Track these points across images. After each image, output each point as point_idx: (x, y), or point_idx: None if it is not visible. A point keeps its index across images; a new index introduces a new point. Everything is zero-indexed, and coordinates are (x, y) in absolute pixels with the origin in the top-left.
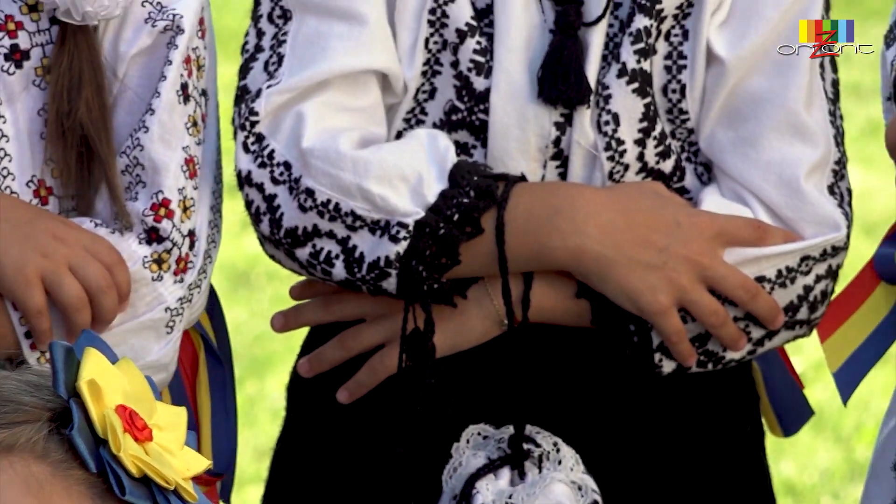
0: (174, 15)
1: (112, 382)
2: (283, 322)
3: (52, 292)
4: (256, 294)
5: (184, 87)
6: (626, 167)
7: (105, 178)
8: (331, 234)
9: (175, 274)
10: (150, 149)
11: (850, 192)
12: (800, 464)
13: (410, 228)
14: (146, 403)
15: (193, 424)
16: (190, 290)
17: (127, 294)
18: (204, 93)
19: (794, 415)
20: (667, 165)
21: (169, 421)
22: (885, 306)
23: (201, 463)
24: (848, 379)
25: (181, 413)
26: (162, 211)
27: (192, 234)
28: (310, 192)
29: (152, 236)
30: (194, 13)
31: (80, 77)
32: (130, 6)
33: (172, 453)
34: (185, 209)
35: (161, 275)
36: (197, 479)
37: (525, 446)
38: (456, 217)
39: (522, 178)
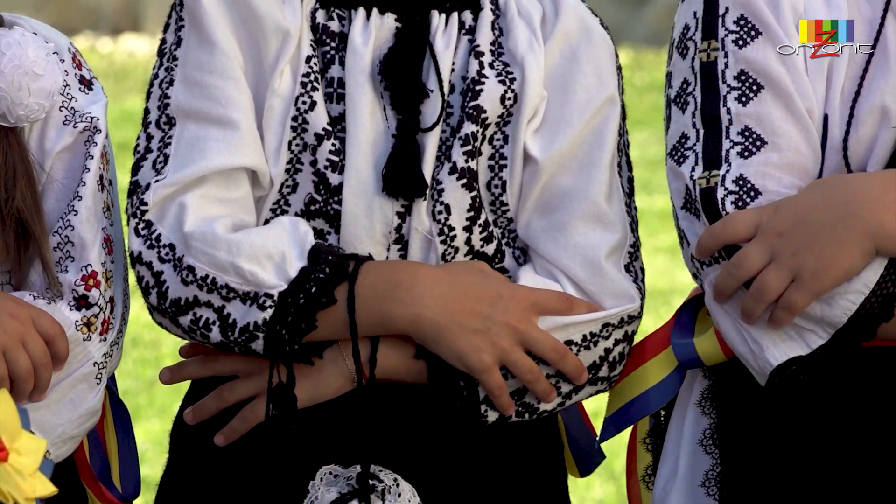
0: (91, 117)
1: None
2: (168, 376)
3: (9, 364)
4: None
5: (101, 178)
6: (457, 250)
7: (39, 255)
8: (208, 304)
9: (100, 334)
10: (79, 229)
11: (643, 270)
12: (579, 496)
13: (275, 299)
14: (10, 431)
15: (102, 456)
16: (111, 346)
17: (65, 359)
18: (111, 182)
19: (589, 459)
20: (490, 248)
21: (28, 448)
22: (668, 367)
23: (48, 488)
24: (614, 425)
25: (41, 444)
26: (91, 281)
27: (111, 300)
28: (191, 269)
29: (81, 303)
30: (104, 116)
31: (15, 170)
32: (51, 110)
33: (23, 475)
34: (106, 279)
35: (90, 335)
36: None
37: (370, 482)
38: (313, 290)
39: (370, 258)
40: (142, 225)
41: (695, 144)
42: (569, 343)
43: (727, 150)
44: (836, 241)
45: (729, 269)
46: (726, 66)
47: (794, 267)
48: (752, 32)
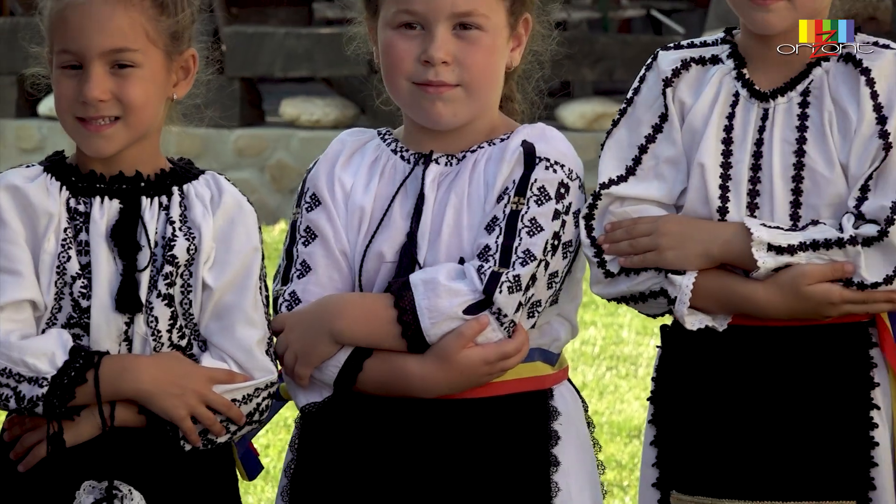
0: None
1: None
2: (8, 436)
3: None
4: None
5: None
6: (163, 344)
7: None
8: (7, 385)
9: None
10: None
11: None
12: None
13: (48, 380)
14: None
15: None
16: None
17: None
18: None
19: (252, 469)
20: (183, 342)
21: None
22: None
23: None
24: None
25: None
26: None
27: None
28: None
29: None
30: None
31: None
32: None
33: None
34: None
35: None
36: None
37: (113, 491)
38: (72, 374)
39: (108, 353)
40: None
41: None
42: (234, 400)
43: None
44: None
45: None
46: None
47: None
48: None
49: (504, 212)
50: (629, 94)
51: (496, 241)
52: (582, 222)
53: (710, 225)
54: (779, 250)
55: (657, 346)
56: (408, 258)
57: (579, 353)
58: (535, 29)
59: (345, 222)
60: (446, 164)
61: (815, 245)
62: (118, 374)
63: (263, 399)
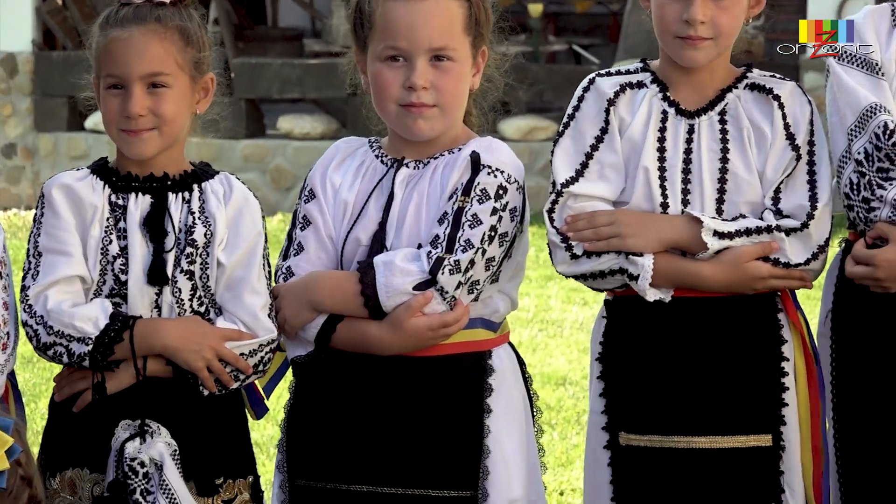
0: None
1: None
2: (58, 393)
3: None
4: None
5: (0, 273)
6: (185, 311)
7: None
8: (61, 344)
9: (2, 350)
10: None
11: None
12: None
13: (93, 339)
14: None
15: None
16: (8, 356)
17: None
18: (5, 273)
19: (259, 408)
20: (202, 309)
21: None
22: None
23: (3, 465)
24: (265, 391)
25: (6, 441)
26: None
27: (8, 334)
28: (51, 327)
29: None
30: (3, 243)
31: None
32: None
33: None
34: (4, 323)
35: None
36: None
37: (144, 428)
38: (111, 334)
39: (141, 317)
40: (25, 307)
41: None
42: (242, 354)
43: None
44: None
45: None
46: None
47: None
48: None
49: (452, 208)
50: (570, 111)
51: (444, 232)
52: (546, 215)
53: (661, 216)
54: (722, 235)
55: (602, 317)
56: (378, 243)
57: (515, 318)
58: (489, 58)
59: (332, 213)
60: (414, 168)
61: (748, 231)
62: (149, 334)
63: (266, 353)
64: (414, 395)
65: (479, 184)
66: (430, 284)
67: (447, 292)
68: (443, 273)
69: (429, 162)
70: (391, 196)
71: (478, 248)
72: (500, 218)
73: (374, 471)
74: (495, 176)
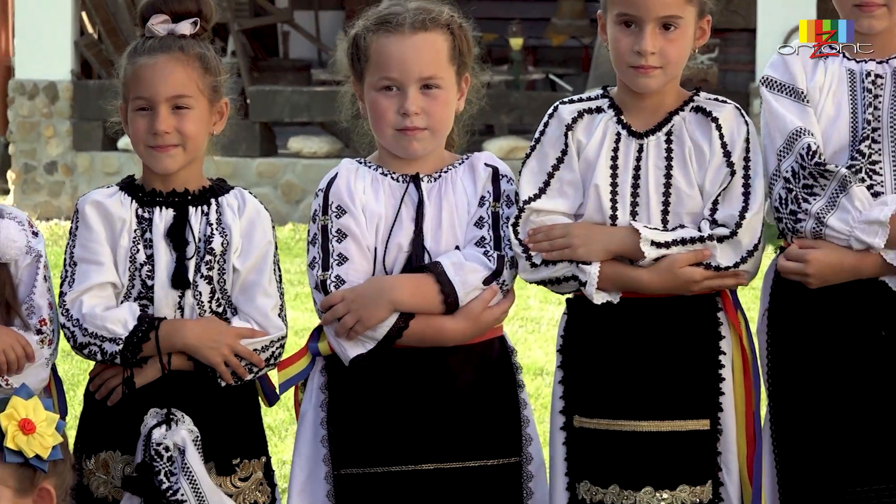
0: (37, 250)
1: (20, 407)
2: (95, 387)
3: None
4: None
5: (44, 277)
6: (205, 312)
7: (17, 313)
8: (94, 344)
9: (48, 346)
10: (36, 301)
11: (285, 317)
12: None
13: (123, 339)
14: (37, 414)
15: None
16: (52, 352)
17: (33, 357)
18: (46, 277)
19: (272, 398)
20: (219, 310)
21: (47, 419)
22: (306, 360)
23: (57, 439)
24: (282, 387)
25: (54, 417)
26: (43, 323)
27: (53, 331)
28: (86, 329)
29: (38, 333)
30: (43, 248)
31: (3, 281)
32: (20, 252)
33: (43, 436)
34: (50, 321)
35: (43, 346)
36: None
37: (170, 416)
38: (139, 334)
39: (165, 318)
40: (63, 311)
41: None
42: (255, 350)
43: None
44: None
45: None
46: None
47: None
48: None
49: (488, 213)
50: (536, 135)
51: (489, 233)
52: (510, 228)
53: (607, 229)
54: (658, 245)
55: (564, 313)
56: (419, 247)
57: None
58: (472, 85)
59: (365, 224)
60: (429, 181)
61: (683, 241)
62: (172, 333)
63: (276, 349)
64: (460, 378)
65: (504, 191)
66: (494, 278)
67: (507, 284)
68: (505, 268)
69: (440, 175)
70: (421, 205)
71: None
72: None
73: (432, 449)
74: (510, 184)
